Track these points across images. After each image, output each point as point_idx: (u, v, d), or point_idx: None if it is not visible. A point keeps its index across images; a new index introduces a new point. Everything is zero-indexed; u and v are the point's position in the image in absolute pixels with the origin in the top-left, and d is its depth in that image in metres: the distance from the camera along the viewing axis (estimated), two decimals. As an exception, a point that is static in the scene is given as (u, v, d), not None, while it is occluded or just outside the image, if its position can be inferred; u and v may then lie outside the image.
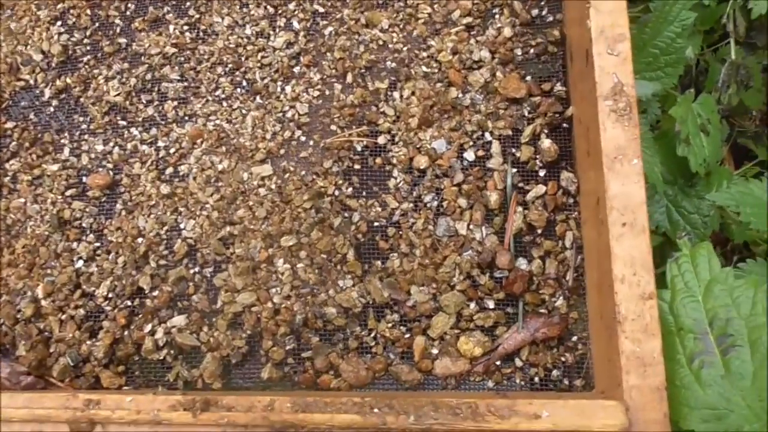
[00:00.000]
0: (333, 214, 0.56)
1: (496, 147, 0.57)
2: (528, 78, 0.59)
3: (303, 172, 0.58)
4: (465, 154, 0.57)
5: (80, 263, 0.59)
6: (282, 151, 0.58)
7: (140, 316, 0.57)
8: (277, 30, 0.63)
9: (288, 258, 0.55)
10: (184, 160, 0.60)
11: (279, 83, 0.61)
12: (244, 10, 0.65)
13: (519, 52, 0.60)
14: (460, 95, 0.59)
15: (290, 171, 0.58)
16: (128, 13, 0.67)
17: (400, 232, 0.55)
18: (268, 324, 0.54)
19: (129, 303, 0.58)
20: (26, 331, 0.59)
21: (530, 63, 0.60)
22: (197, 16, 0.65)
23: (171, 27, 0.65)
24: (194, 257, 0.57)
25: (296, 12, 0.64)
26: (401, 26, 0.62)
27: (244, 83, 0.62)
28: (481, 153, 0.57)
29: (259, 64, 0.62)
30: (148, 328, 0.57)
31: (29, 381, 0.59)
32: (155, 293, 0.57)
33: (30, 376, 0.59)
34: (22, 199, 0.62)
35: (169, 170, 0.60)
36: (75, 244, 0.60)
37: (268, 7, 0.64)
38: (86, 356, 0.57)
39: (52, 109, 0.65)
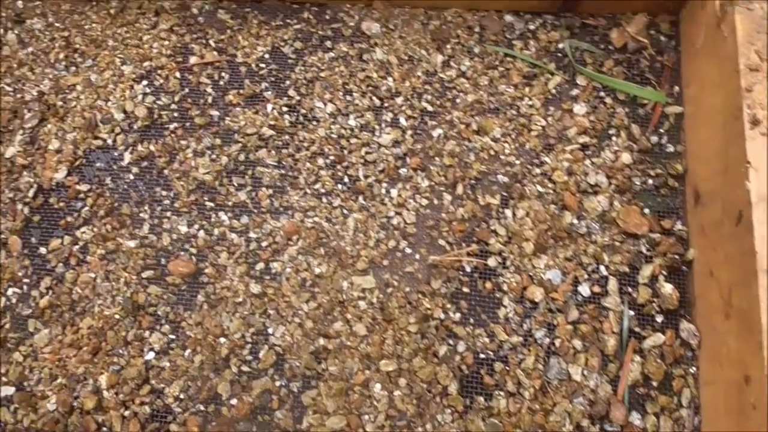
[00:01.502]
0: (438, 340, 0.51)
1: (612, 284, 0.53)
2: (647, 211, 0.55)
3: (407, 289, 0.53)
4: (580, 288, 0.53)
5: (151, 355, 0.54)
6: (385, 262, 0.54)
7: (215, 424, 0.51)
8: (383, 125, 0.59)
9: (386, 384, 0.51)
10: (277, 256, 0.55)
11: (384, 185, 0.56)
12: (348, 98, 0.60)
13: (637, 181, 0.57)
14: (576, 221, 0.55)
15: (394, 286, 0.53)
16: (221, 83, 0.62)
17: (508, 369, 0.51)
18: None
19: (203, 408, 0.52)
20: (83, 423, 0.54)
21: (648, 194, 0.56)
22: (297, 98, 0.60)
23: (269, 106, 0.60)
24: (281, 368, 0.52)
25: (404, 108, 0.59)
26: (514, 137, 0.58)
27: (346, 179, 0.57)
28: (597, 289, 0.53)
29: (362, 160, 0.57)
30: (222, 439, 0.51)
31: (82, 480, 0.53)
32: (234, 402, 0.52)
33: (83, 475, 0.53)
34: (92, 273, 0.57)
35: (260, 266, 0.55)
36: (147, 333, 0.54)
37: (374, 98, 0.60)
38: (148, 460, 0.51)
39: (131, 177, 0.60)
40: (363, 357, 0.51)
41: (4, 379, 0.55)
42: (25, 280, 0.58)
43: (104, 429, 0.53)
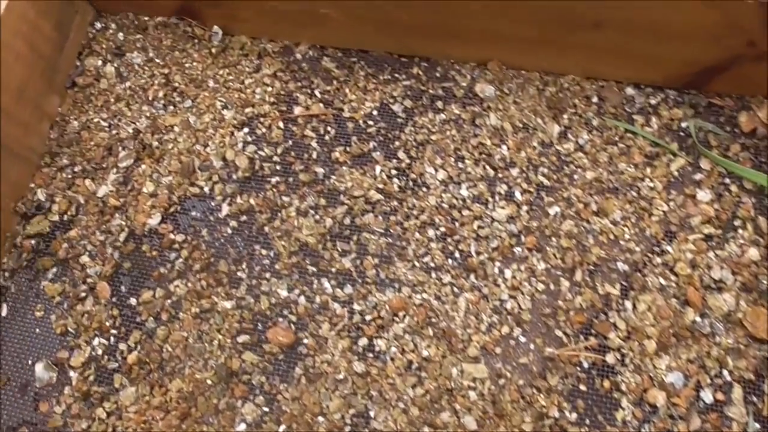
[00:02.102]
0: (553, 442, 0.48)
1: (737, 392, 0.50)
2: (776, 315, 0.52)
3: (521, 382, 0.50)
4: (702, 394, 0.50)
5: (243, 427, 0.51)
6: (498, 350, 0.51)
7: (307, 508, 0.48)
8: (497, 198, 0.56)
9: (494, 483, 0.47)
10: (382, 333, 0.52)
11: (497, 264, 0.53)
12: (460, 165, 0.57)
13: (764, 280, 0.53)
14: (699, 320, 0.52)
15: (506, 377, 0.50)
16: (327, 138, 0.59)
17: (626, 479, 0.47)
18: None
19: (294, 488, 0.49)
20: (167, 491, 0.50)
21: (777, 296, 0.52)
22: (407, 161, 0.57)
23: (377, 168, 0.57)
24: (382, 455, 0.49)
25: (519, 180, 0.56)
26: (634, 220, 0.55)
27: (457, 254, 0.54)
28: (720, 396, 0.50)
29: (474, 235, 0.54)
30: None
31: None
32: (329, 486, 0.49)
33: None
34: (184, 332, 0.54)
35: (363, 341, 0.52)
36: (240, 403, 0.52)
37: (488, 167, 0.57)
38: None
39: (229, 231, 0.57)
40: (471, 453, 0.48)
41: (85, 434, 0.53)
42: (113, 331, 0.56)
43: (189, 500, 0.50)
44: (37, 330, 0.57)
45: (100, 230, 0.59)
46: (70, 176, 0.62)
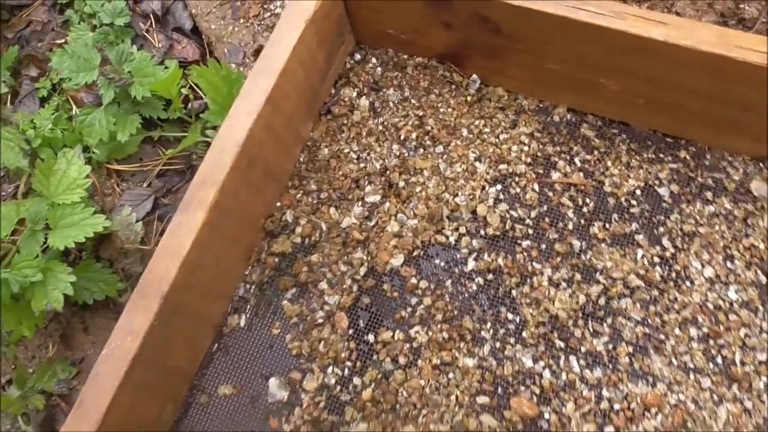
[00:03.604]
0: None
1: None
2: None
3: None
4: None
5: (472, 489, 0.53)
6: (758, 471, 0.50)
7: None
8: (768, 306, 0.55)
9: None
10: (631, 426, 0.53)
11: (764, 378, 0.53)
12: (729, 265, 0.58)
13: None
14: None
15: (767, 502, 0.50)
16: (585, 210, 0.62)
17: None
18: None
19: None
20: None
21: None
22: (672, 250, 0.59)
23: (639, 252, 0.59)
24: None
25: (793, 290, 0.56)
26: None
27: (719, 360, 0.55)
28: None
29: (741, 343, 0.55)
30: None
31: None
32: None
33: None
34: (422, 381, 0.58)
35: (610, 429, 0.53)
36: (472, 464, 0.54)
37: (759, 272, 0.57)
38: None
39: (474, 288, 0.60)
40: None
41: (311, 461, 0.58)
42: (348, 363, 0.60)
43: None
44: (272, 347, 0.63)
45: (341, 260, 0.64)
46: (315, 201, 0.68)
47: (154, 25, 0.90)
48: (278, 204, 0.68)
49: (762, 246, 0.58)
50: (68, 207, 0.73)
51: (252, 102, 0.60)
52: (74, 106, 0.85)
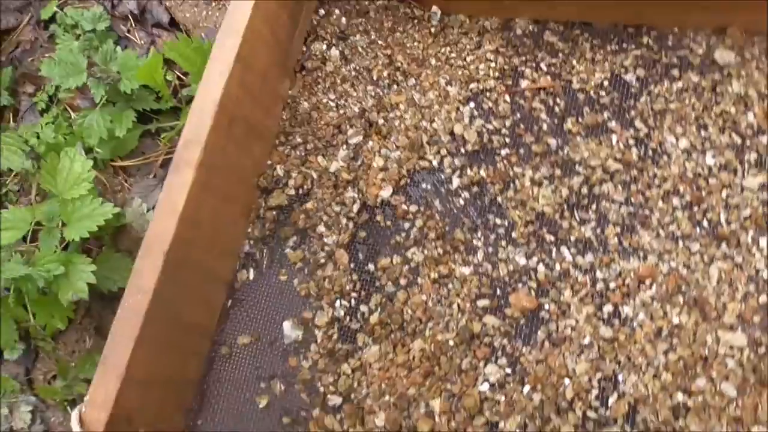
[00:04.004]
0: (828, 416, 0.48)
1: None
2: None
3: (786, 353, 0.51)
4: None
5: (485, 386, 0.57)
6: (756, 319, 0.53)
7: (556, 467, 0.53)
8: (747, 166, 0.57)
9: (760, 454, 0.49)
10: (627, 300, 0.55)
11: (750, 233, 0.55)
12: (703, 133, 0.59)
13: None
14: None
15: (767, 346, 0.51)
16: (557, 110, 0.64)
17: None
18: None
19: (541, 448, 0.53)
20: (415, 445, 0.57)
21: None
22: (645, 130, 0.60)
23: (614, 138, 0.61)
24: (633, 419, 0.53)
25: (771, 147, 0.57)
26: None
27: (705, 223, 0.56)
28: None
29: (723, 204, 0.56)
30: (565, 485, 0.52)
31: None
32: (578, 447, 0.52)
33: (414, 497, 0.57)
34: (423, 296, 0.61)
35: (608, 308, 0.55)
36: (482, 364, 0.57)
37: (734, 135, 0.58)
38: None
39: (461, 202, 0.63)
40: (731, 420, 0.50)
41: (332, 388, 0.61)
42: (353, 294, 0.63)
43: (435, 455, 0.56)
44: (282, 292, 0.66)
45: (334, 202, 0.68)
46: (303, 153, 0.71)
47: (134, 25, 0.94)
48: (269, 162, 0.72)
49: (733, 110, 0.59)
50: (77, 201, 0.78)
51: (222, 62, 0.64)
52: (72, 113, 0.90)
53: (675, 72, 0.62)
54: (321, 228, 0.67)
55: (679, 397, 0.52)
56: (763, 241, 0.55)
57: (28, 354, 0.88)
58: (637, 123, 0.61)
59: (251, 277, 0.68)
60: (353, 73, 0.73)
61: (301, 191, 0.70)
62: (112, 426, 0.54)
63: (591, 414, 0.54)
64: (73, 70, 0.86)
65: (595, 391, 0.54)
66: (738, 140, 0.58)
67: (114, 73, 0.86)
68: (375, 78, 0.72)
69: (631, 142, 0.60)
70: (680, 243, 0.56)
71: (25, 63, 0.97)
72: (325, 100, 0.73)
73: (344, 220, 0.67)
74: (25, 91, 0.95)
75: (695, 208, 0.57)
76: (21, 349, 0.87)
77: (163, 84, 0.83)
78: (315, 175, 0.70)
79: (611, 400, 0.53)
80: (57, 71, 0.84)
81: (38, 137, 0.88)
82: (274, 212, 0.70)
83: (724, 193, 0.57)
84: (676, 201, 0.58)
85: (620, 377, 0.54)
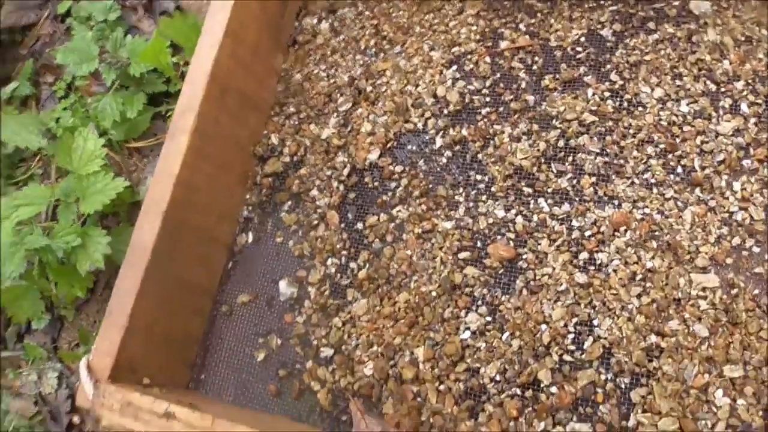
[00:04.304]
0: (797, 351, 0.49)
1: None
2: None
3: (756, 291, 0.52)
4: None
5: (467, 334, 0.59)
6: (729, 261, 0.53)
7: (533, 410, 0.54)
8: (721, 112, 0.58)
9: (729, 391, 0.50)
10: (602, 247, 0.56)
11: (724, 177, 0.55)
12: (678, 82, 0.60)
13: None
14: None
15: (739, 287, 0.52)
16: (535, 67, 0.65)
17: None
18: (693, 460, 0.49)
19: (519, 392, 0.56)
20: (400, 392, 0.59)
21: None
22: (620, 82, 0.61)
23: (590, 91, 0.62)
24: (608, 362, 0.54)
25: (745, 93, 0.58)
26: None
27: (680, 170, 0.57)
28: None
29: (698, 150, 0.57)
30: (541, 426, 0.54)
31: (399, 445, 0.59)
32: (553, 390, 0.54)
33: (401, 441, 0.59)
34: (408, 251, 0.63)
35: (584, 255, 0.57)
36: (463, 313, 0.59)
37: (708, 83, 0.59)
38: (464, 437, 0.56)
39: (444, 160, 0.65)
40: (703, 360, 0.51)
41: (324, 341, 0.64)
42: (344, 252, 0.66)
43: (419, 399, 0.59)
44: (278, 254, 0.70)
45: (326, 167, 0.70)
46: (296, 122, 0.74)
47: (143, 14, 0.99)
48: (264, 132, 0.75)
49: (708, 58, 0.60)
50: (91, 177, 0.83)
51: (212, 35, 0.67)
52: (88, 99, 0.95)
53: (651, 24, 0.63)
54: (314, 192, 0.70)
55: (653, 338, 0.53)
56: (736, 185, 0.55)
57: (53, 324, 0.93)
58: (613, 76, 0.62)
59: (249, 240, 0.72)
60: (342, 44, 0.76)
61: (295, 158, 0.73)
62: (116, 372, 0.59)
63: (567, 357, 0.55)
64: (86, 57, 0.91)
65: (571, 336, 0.55)
66: (713, 87, 0.59)
67: (124, 58, 0.91)
68: (363, 48, 0.74)
69: (607, 94, 0.61)
70: (654, 190, 0.57)
71: (45, 55, 1.03)
72: (316, 71, 0.76)
73: (335, 183, 0.69)
74: (45, 81, 1.01)
75: (669, 156, 0.58)
76: (47, 320, 0.92)
77: (169, 66, 0.88)
78: (308, 143, 0.73)
79: (587, 344, 0.55)
80: (71, 58, 0.89)
81: (57, 121, 0.93)
82: (270, 179, 0.73)
83: (698, 140, 0.57)
84: (650, 149, 0.58)
85: (595, 321, 0.55)
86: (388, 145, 0.69)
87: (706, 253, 0.54)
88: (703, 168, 0.57)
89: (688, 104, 0.59)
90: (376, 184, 0.68)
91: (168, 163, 0.64)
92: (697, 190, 0.56)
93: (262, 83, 0.75)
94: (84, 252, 0.82)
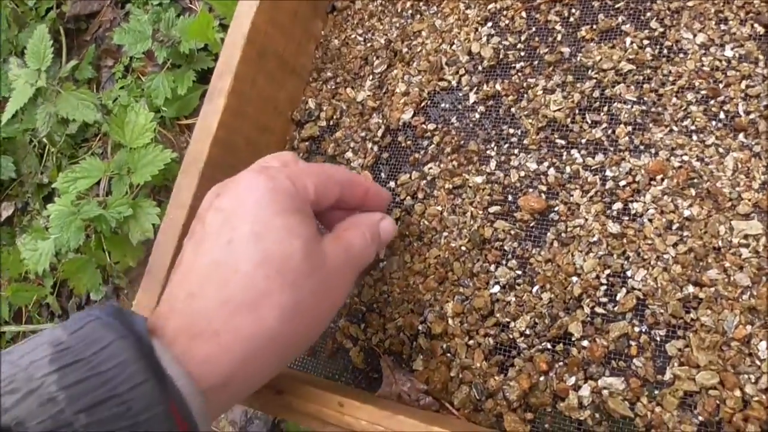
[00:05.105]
0: None
1: None
2: None
3: (805, 238, 0.48)
4: None
5: (496, 288, 0.58)
6: (774, 207, 0.50)
7: (563, 364, 0.53)
8: (770, 54, 0.54)
9: (774, 342, 0.47)
10: (637, 197, 0.54)
11: (772, 121, 0.52)
12: (722, 27, 0.57)
13: None
14: None
15: (786, 233, 0.49)
16: (572, 19, 0.63)
17: None
18: (734, 417, 0.47)
19: (549, 346, 0.54)
20: (429, 347, 0.59)
21: None
22: (660, 29, 0.59)
23: (628, 40, 0.60)
24: (642, 314, 0.51)
25: (797, 33, 0.54)
26: None
27: (722, 116, 0.54)
28: None
29: (742, 95, 0.54)
30: (571, 380, 0.53)
31: (427, 401, 0.59)
32: (585, 343, 0.53)
33: (429, 397, 0.59)
34: (439, 207, 0.63)
35: (617, 206, 0.55)
36: (493, 267, 0.58)
37: (756, 26, 0.56)
38: (492, 392, 0.55)
39: (477, 116, 0.64)
40: (745, 310, 0.49)
41: (356, 299, 0.64)
42: (376, 212, 0.67)
43: (449, 355, 0.58)
44: (313, 215, 0.71)
45: (360, 129, 0.71)
46: (333, 87, 0.76)
47: (195, -4, 1.04)
48: (303, 98, 0.77)
49: (757, 0, 0.57)
50: (142, 149, 0.87)
51: (250, -1, 0.70)
52: (143, 79, 1.01)
53: (696, -31, 0.61)
54: (349, 154, 0.71)
55: (690, 289, 0.51)
56: (784, 128, 0.52)
57: (110, 296, 0.98)
58: (653, 23, 0.60)
59: (286, 203, 0.73)
60: (379, 8, 0.76)
61: (331, 122, 0.74)
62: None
63: (599, 310, 0.53)
64: (140, 37, 0.96)
65: (603, 288, 0.54)
66: (761, 30, 0.56)
67: (175, 37, 0.95)
68: (399, 10, 0.75)
69: (646, 42, 0.59)
70: (694, 137, 0.55)
71: (106, 40, 1.09)
72: (353, 36, 0.77)
73: (369, 144, 0.70)
74: (106, 65, 1.07)
75: (711, 102, 0.55)
76: (104, 291, 0.98)
77: (216, 41, 0.91)
78: (344, 106, 0.74)
79: (619, 296, 0.53)
80: (126, 39, 0.95)
81: (114, 101, 0.99)
82: (307, 143, 0.74)
83: (743, 84, 0.54)
84: (690, 96, 0.56)
85: (629, 272, 0.53)
86: (422, 104, 0.69)
87: (749, 200, 0.51)
88: (747, 113, 0.54)
89: (732, 48, 0.56)
90: (408, 143, 0.68)
91: (206, 122, 0.66)
92: (741, 136, 0.53)
93: (301, 48, 0.77)
94: (135, 222, 0.86)
